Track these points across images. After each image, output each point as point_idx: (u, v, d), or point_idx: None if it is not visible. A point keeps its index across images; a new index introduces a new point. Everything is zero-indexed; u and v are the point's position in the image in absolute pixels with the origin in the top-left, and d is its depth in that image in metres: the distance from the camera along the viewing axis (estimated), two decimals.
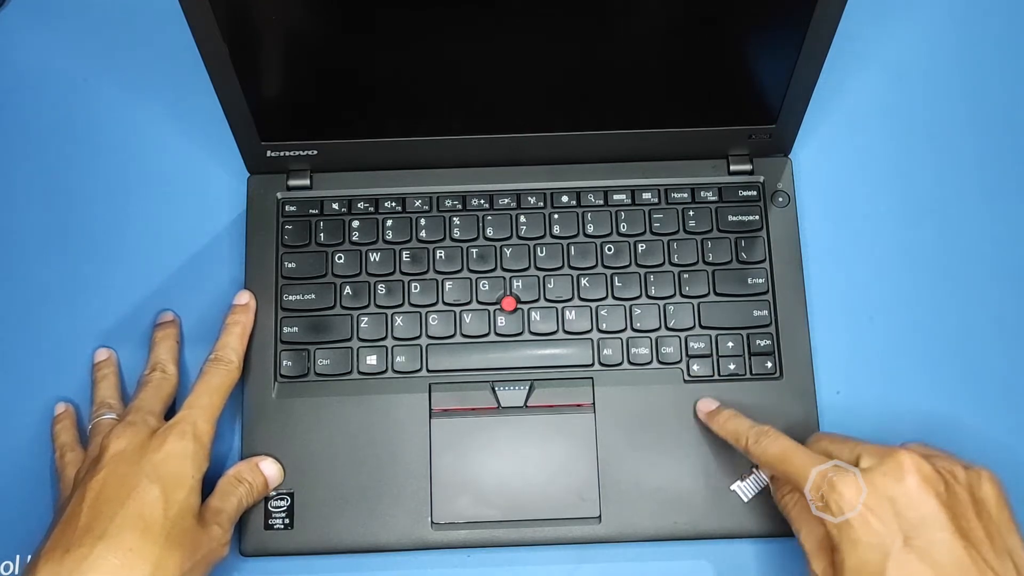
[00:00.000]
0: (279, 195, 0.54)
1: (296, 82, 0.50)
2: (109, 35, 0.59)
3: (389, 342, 0.52)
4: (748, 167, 0.55)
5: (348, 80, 0.49)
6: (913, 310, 0.54)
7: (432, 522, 0.49)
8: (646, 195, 0.54)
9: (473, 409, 0.51)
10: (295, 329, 0.52)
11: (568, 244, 0.54)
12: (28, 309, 0.54)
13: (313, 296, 0.53)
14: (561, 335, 0.52)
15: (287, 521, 0.49)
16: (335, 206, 0.54)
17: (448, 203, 0.54)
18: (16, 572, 0.49)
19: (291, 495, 0.50)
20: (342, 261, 0.53)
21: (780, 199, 0.54)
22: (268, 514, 0.50)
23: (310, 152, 0.53)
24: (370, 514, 0.49)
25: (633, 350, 0.52)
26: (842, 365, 0.53)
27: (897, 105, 0.58)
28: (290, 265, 0.53)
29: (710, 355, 0.52)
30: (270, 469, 0.50)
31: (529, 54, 0.48)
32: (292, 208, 0.54)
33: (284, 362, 0.52)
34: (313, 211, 0.54)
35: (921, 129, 0.58)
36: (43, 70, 0.59)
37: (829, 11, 0.45)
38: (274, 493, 0.50)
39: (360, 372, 0.52)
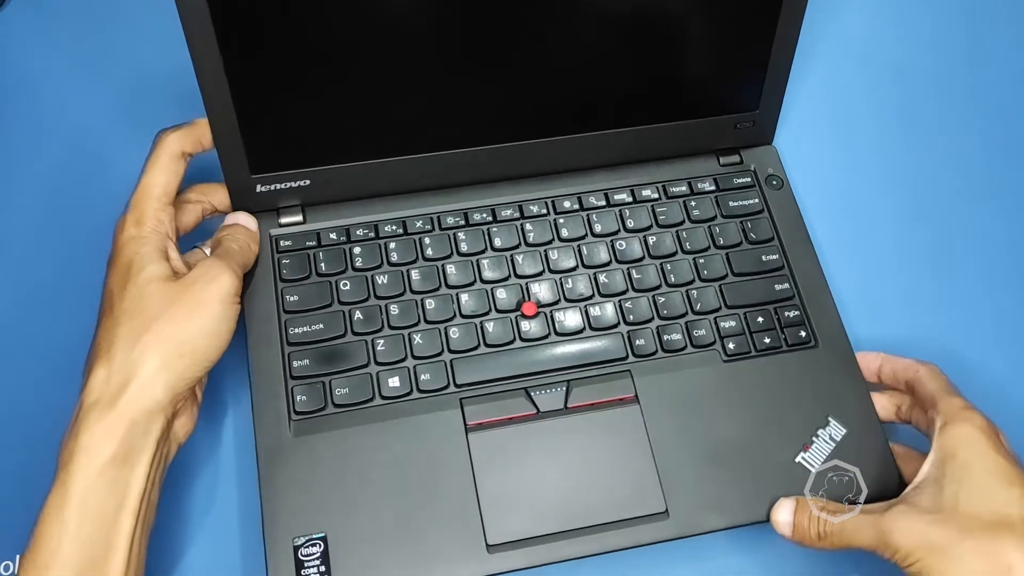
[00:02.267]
0: (272, 232, 0.51)
1: (289, 111, 0.48)
2: (109, 35, 0.59)
3: (410, 362, 0.48)
4: (736, 159, 0.56)
5: (339, 104, 0.48)
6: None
7: (487, 545, 0.44)
8: (646, 192, 0.54)
9: (511, 418, 0.47)
10: (305, 362, 0.48)
11: (579, 245, 0.52)
12: (28, 309, 0.51)
13: (321, 326, 0.49)
14: (589, 331, 0.50)
15: (323, 569, 0.43)
16: (332, 236, 0.51)
17: (450, 220, 0.52)
18: (16, 572, 0.43)
19: (324, 539, 0.44)
20: (348, 288, 0.50)
21: (774, 182, 0.55)
22: (299, 564, 0.43)
23: (302, 183, 0.51)
24: (418, 547, 0.44)
25: (666, 337, 0.50)
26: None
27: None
28: (292, 298, 0.49)
29: (743, 332, 0.50)
30: (242, 217, 0.50)
31: (510, 64, 0.49)
32: (287, 243, 0.51)
33: (298, 397, 0.47)
34: (310, 243, 0.51)
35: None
36: (43, 70, 0.58)
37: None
38: (303, 540, 0.44)
39: (383, 396, 0.47)
